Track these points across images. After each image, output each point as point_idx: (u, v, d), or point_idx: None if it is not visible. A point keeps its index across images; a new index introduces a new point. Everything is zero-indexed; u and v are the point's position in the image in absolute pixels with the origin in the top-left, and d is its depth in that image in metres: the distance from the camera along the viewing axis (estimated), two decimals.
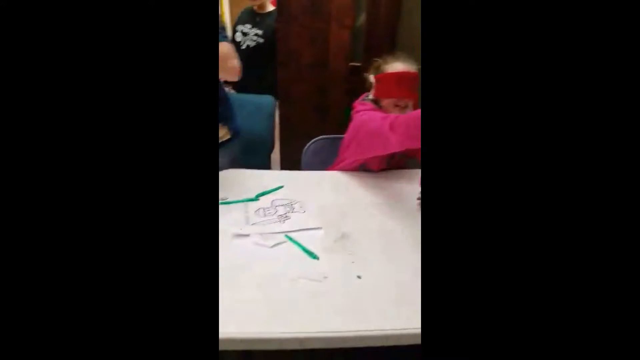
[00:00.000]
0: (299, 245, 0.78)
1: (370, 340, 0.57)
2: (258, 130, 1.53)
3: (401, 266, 0.72)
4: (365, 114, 1.06)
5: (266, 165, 1.64)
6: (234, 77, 0.99)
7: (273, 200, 0.95)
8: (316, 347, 0.56)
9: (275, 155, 1.83)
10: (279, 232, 0.82)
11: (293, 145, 1.61)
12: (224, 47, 0.92)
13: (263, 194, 0.98)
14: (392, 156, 1.13)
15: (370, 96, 1.13)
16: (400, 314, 0.60)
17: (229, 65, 0.94)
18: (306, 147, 1.32)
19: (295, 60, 1.79)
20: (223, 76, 0.98)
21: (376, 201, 0.99)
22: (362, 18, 1.96)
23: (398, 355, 0.67)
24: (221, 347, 0.47)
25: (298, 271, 0.70)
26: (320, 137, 1.32)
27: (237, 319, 0.57)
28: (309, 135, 1.33)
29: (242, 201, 0.93)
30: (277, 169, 1.88)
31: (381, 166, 1.14)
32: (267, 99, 1.60)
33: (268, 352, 0.57)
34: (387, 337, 0.57)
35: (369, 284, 0.68)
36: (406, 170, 1.17)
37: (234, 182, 1.02)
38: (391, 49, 1.97)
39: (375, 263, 0.73)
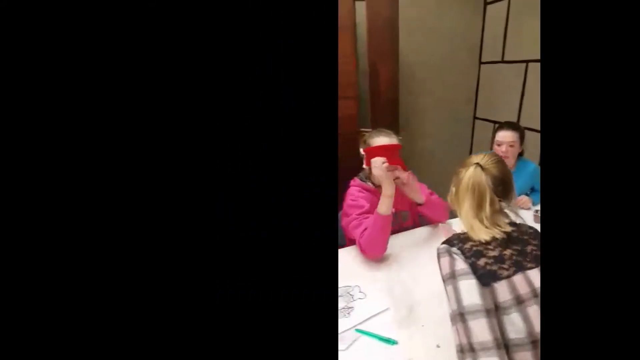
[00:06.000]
0: (375, 336, 0.64)
1: None
2: None
3: None
4: (347, 199, 1.20)
5: None
6: None
7: None
8: None
9: None
10: (348, 329, 0.67)
11: None
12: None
13: None
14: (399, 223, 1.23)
15: (364, 165, 1.20)
16: None
17: None
18: None
19: None
20: None
21: (424, 261, 0.95)
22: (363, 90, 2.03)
23: None
24: None
25: None
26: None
27: None
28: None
29: None
30: None
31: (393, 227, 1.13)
32: None
33: None
34: None
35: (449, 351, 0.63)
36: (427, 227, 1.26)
37: None
38: (394, 119, 2.03)
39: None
